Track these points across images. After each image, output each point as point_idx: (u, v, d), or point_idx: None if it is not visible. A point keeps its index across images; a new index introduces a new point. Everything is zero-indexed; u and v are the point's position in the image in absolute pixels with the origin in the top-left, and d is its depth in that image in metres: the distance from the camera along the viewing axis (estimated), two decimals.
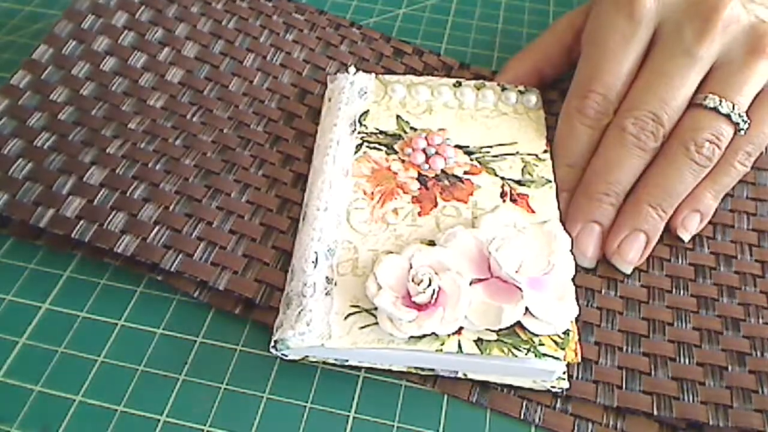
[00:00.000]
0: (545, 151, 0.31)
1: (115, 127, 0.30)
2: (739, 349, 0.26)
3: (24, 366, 0.26)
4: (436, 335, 0.24)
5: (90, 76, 0.32)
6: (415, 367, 0.26)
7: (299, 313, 0.25)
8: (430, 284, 0.24)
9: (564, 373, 0.25)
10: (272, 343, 0.25)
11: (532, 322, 0.24)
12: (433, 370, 0.26)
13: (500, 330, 0.24)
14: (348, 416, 0.25)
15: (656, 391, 0.25)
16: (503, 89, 0.33)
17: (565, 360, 0.24)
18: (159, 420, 0.24)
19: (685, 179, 0.29)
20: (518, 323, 0.24)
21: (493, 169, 0.30)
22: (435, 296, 0.24)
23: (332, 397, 0.25)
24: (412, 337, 0.24)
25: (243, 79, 0.33)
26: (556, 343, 0.24)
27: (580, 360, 0.24)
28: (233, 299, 0.27)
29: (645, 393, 0.25)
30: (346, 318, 0.25)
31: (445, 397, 0.25)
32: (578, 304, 0.27)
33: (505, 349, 0.24)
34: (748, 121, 0.29)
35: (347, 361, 0.25)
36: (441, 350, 0.24)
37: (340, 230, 0.27)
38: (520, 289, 0.24)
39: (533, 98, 0.33)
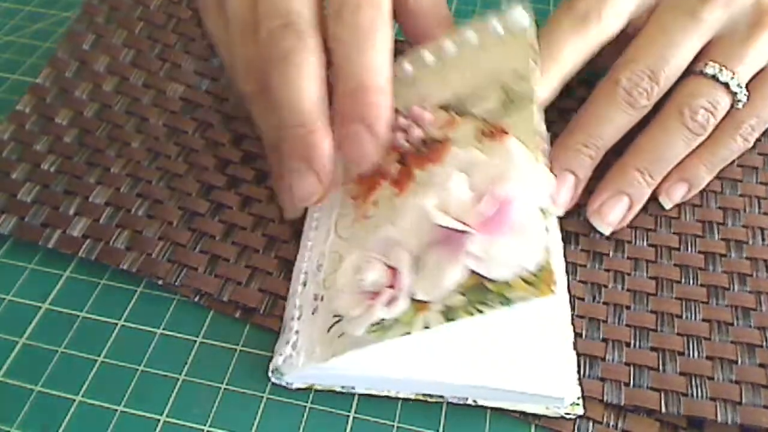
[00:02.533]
0: (531, 67, 0.27)
1: (118, 147, 0.31)
2: (749, 341, 0.26)
3: (24, 366, 0.26)
4: (398, 320, 0.22)
5: (92, 97, 0.33)
6: (423, 395, 0.25)
7: (287, 338, 0.25)
8: (374, 268, 0.23)
9: (579, 398, 0.24)
10: (270, 373, 0.25)
11: (494, 269, 0.21)
12: (441, 397, 0.25)
13: (465, 291, 0.21)
14: (348, 416, 0.25)
15: (664, 387, 0.25)
16: (486, 21, 0.29)
17: (541, 296, 0.20)
18: (159, 420, 0.24)
19: (676, 146, 0.28)
20: (479, 276, 0.21)
21: (472, 113, 0.27)
22: (389, 278, 0.23)
23: (332, 397, 0.25)
24: (374, 330, 0.22)
25: None
26: (527, 282, 0.21)
27: (556, 291, 0.20)
28: (233, 305, 0.27)
29: (653, 390, 0.25)
30: (328, 330, 0.24)
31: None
32: (585, 299, 0.27)
33: (471, 309, 0.21)
34: (747, 94, 0.28)
35: (353, 387, 0.25)
36: (409, 333, 0.21)
37: (327, 242, 0.27)
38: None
39: (522, 18, 0.28)
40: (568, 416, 0.24)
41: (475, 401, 0.25)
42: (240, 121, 0.32)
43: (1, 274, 0.28)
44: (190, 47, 0.35)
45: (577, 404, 0.24)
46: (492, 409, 0.25)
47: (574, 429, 0.24)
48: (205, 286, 0.27)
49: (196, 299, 0.27)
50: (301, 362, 0.24)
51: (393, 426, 0.25)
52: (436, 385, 0.24)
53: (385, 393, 0.25)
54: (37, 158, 0.31)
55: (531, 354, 0.24)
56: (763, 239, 0.29)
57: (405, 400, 0.25)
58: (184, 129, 0.32)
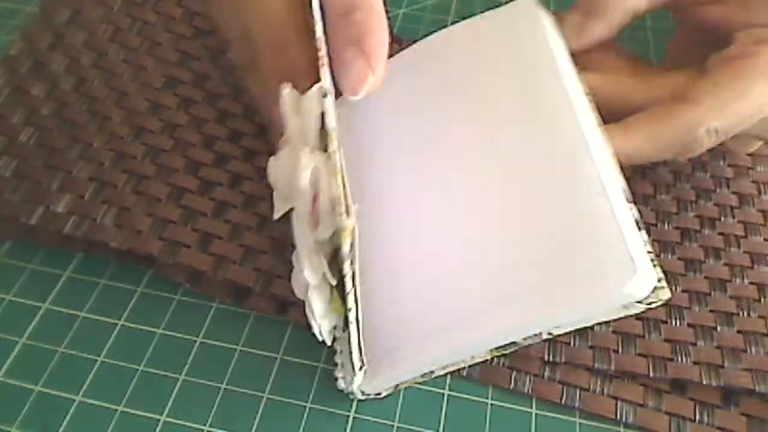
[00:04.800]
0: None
1: (99, 121, 0.30)
2: (726, 310, 0.27)
3: (24, 366, 0.26)
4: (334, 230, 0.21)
5: (69, 71, 0.32)
6: (498, 348, 0.22)
7: (334, 362, 0.25)
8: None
9: (659, 280, 0.20)
10: (356, 394, 0.25)
11: None
12: (515, 344, 0.22)
13: None
14: (348, 416, 0.25)
15: (651, 353, 0.26)
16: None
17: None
18: (159, 420, 0.24)
19: None
20: None
21: None
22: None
23: (332, 396, 0.25)
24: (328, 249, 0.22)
25: (226, 69, 0.33)
26: None
27: None
28: (228, 285, 0.27)
29: (640, 356, 0.26)
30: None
31: (445, 396, 0.25)
32: None
33: None
34: None
35: (433, 373, 0.24)
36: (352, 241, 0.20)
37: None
38: None
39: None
40: (653, 304, 0.20)
41: (550, 333, 0.22)
42: (225, 99, 0.32)
43: (1, 274, 0.28)
44: (171, 26, 0.34)
45: (661, 287, 0.20)
46: (491, 406, 0.25)
47: (562, 396, 0.25)
48: (200, 264, 0.26)
49: (188, 285, 0.27)
50: (353, 372, 0.23)
51: (393, 426, 0.25)
52: (509, 330, 0.22)
53: (462, 364, 0.23)
54: (14, 131, 0.29)
55: (582, 255, 0.21)
56: (734, 216, 0.30)
57: (405, 400, 0.25)
58: (167, 105, 0.31)
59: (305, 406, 0.25)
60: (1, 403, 0.25)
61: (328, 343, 0.24)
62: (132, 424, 0.24)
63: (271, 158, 0.23)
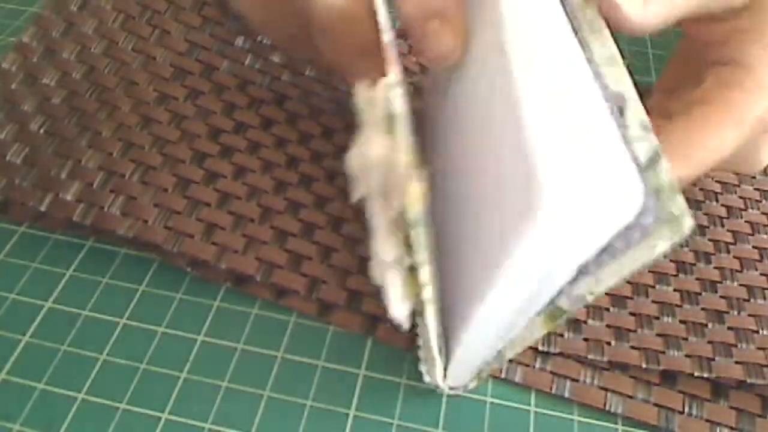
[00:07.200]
0: None
1: (109, 111, 0.31)
2: (717, 308, 0.28)
3: (27, 363, 0.26)
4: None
5: (79, 59, 0.32)
6: (547, 314, 0.20)
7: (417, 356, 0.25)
8: None
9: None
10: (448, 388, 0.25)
11: None
12: (562, 310, 0.20)
13: None
14: (348, 414, 0.25)
15: (643, 346, 0.26)
16: None
17: None
18: (161, 417, 0.25)
19: None
20: None
21: None
22: None
23: (332, 394, 0.25)
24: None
25: (233, 60, 0.34)
26: None
27: None
28: (228, 274, 0.28)
29: (633, 348, 0.26)
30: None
31: (445, 394, 0.26)
32: None
33: None
34: None
35: (501, 354, 0.23)
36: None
37: None
38: None
39: None
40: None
41: (591, 292, 0.19)
42: (231, 91, 0.32)
43: (4, 272, 0.29)
44: (180, 15, 0.34)
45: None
46: (490, 404, 0.25)
47: (551, 386, 0.26)
48: (202, 254, 0.27)
49: (189, 269, 0.28)
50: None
51: (393, 424, 0.25)
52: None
53: (524, 341, 0.22)
54: (25, 118, 0.30)
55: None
56: (723, 225, 0.31)
57: (404, 398, 0.25)
58: (174, 95, 0.31)
59: (305, 404, 0.25)
60: (5, 401, 0.25)
61: (406, 327, 0.23)
62: (134, 421, 0.24)
63: (352, 148, 0.23)
